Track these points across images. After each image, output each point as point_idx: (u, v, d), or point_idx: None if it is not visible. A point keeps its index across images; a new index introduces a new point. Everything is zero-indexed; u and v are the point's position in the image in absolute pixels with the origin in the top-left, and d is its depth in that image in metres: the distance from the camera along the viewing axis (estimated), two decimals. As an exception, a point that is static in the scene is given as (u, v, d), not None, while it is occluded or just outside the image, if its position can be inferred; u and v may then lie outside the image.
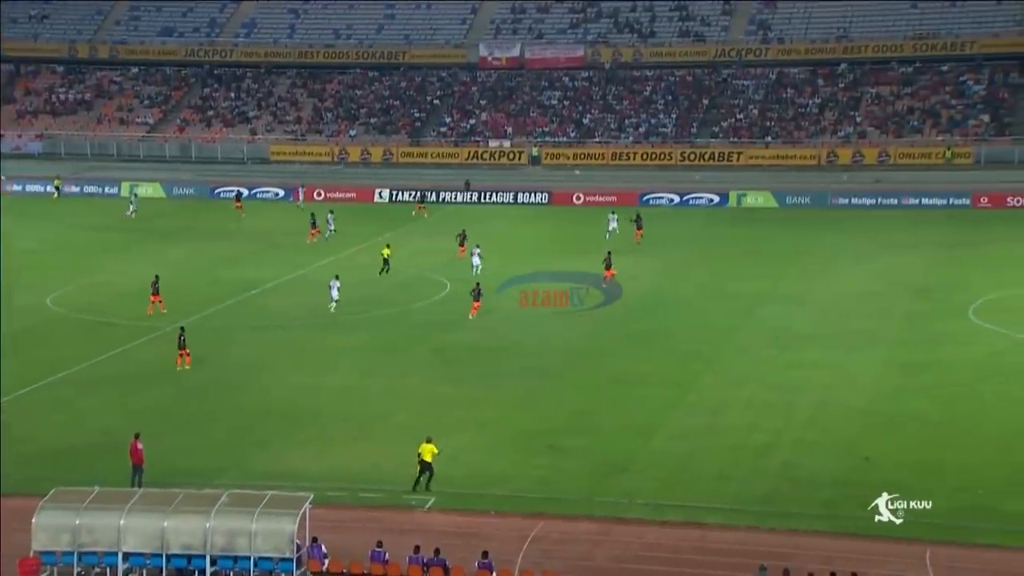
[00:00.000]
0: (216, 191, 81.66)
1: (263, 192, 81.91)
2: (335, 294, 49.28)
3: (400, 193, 79.25)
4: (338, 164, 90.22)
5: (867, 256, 58.94)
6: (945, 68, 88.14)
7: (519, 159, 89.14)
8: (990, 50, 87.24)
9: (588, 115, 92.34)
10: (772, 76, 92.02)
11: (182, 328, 43.47)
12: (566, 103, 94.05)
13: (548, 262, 58.76)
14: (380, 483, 32.46)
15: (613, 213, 55.78)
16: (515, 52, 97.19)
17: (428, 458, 31.51)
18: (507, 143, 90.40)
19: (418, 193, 76.81)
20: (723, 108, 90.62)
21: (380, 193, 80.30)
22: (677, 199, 77.02)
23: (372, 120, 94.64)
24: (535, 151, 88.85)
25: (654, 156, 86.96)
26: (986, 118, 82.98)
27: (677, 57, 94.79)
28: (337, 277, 50.39)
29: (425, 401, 39.25)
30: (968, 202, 71.67)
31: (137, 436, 32.59)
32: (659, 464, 33.92)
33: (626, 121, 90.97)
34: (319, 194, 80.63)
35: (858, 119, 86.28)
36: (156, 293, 49.26)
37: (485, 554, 27.04)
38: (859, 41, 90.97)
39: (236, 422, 37.54)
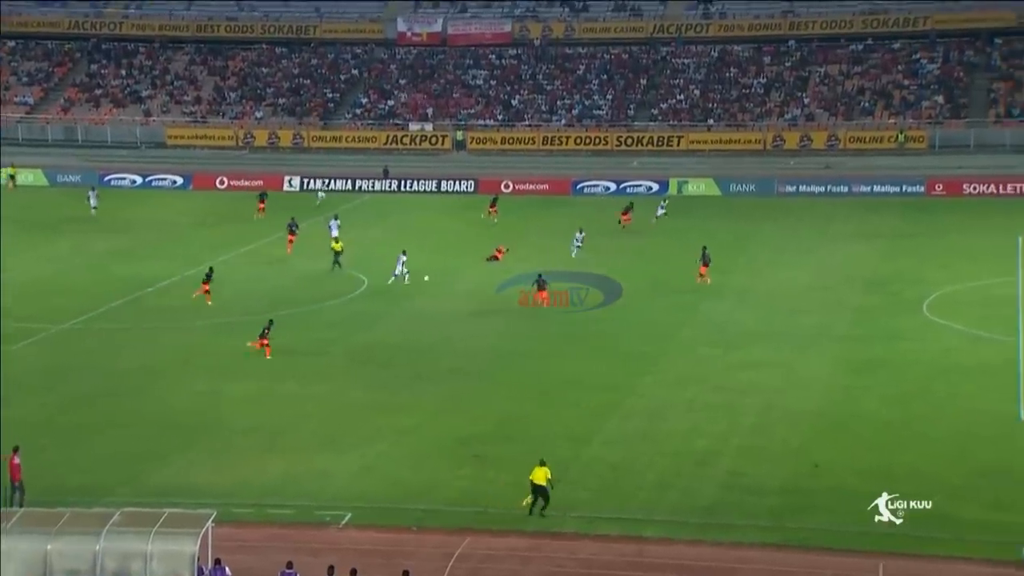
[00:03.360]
0: (106, 178, 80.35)
1: (159, 180, 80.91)
2: (400, 268, 52.89)
3: (312, 181, 78.75)
4: (243, 149, 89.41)
5: (816, 247, 59.91)
6: (897, 46, 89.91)
7: (442, 144, 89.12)
8: (944, 26, 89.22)
9: (517, 96, 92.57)
10: (714, 54, 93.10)
11: (270, 321, 44.24)
12: (493, 83, 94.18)
13: (476, 257, 58.80)
14: (290, 498, 32.25)
15: (581, 232, 56.36)
16: (436, 27, 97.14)
17: (542, 481, 31.02)
18: (429, 126, 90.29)
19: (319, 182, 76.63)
20: (662, 89, 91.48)
21: (290, 181, 79.72)
22: (614, 187, 77.55)
23: (280, 101, 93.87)
24: (459, 135, 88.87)
25: (588, 140, 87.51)
26: (940, 99, 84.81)
27: (612, 33, 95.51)
28: (404, 252, 53.43)
29: (339, 408, 39.09)
30: (922, 189, 73.20)
31: (16, 450, 31.98)
32: (594, 473, 34.12)
33: (558, 103, 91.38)
34: (221, 182, 79.80)
35: (806, 100, 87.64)
36: (207, 281, 50.33)
37: (406, 573, 27.01)
38: (806, 17, 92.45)
39: (129, 433, 37.02)
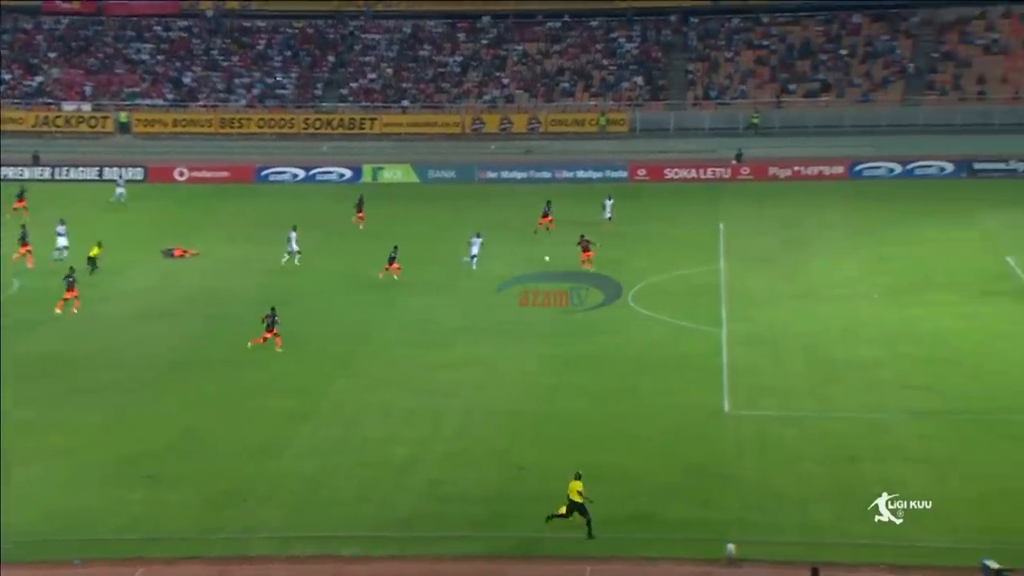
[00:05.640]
0: None
1: None
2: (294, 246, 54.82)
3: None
4: None
5: (518, 237, 61.32)
6: (595, 24, 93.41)
7: (103, 126, 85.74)
8: (641, 4, 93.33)
9: (189, 73, 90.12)
10: (406, 30, 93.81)
11: (273, 309, 44.17)
12: (160, 58, 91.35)
13: (147, 253, 56.90)
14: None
15: (478, 236, 55.21)
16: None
17: (576, 497, 30.47)
18: (87, 106, 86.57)
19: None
20: (352, 67, 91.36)
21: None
22: (302, 174, 76.82)
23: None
24: (123, 116, 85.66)
25: (272, 123, 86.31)
26: (640, 80, 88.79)
27: (295, 5, 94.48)
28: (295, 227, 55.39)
29: (-16, 431, 36.87)
30: (625, 175, 76.37)
31: None
32: (285, 488, 33.74)
33: (236, 81, 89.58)
34: None
35: (505, 81, 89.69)
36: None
37: (68, 616, 25.73)
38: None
39: None
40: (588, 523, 30.59)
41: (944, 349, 44.10)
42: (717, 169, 76.06)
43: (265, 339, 44.20)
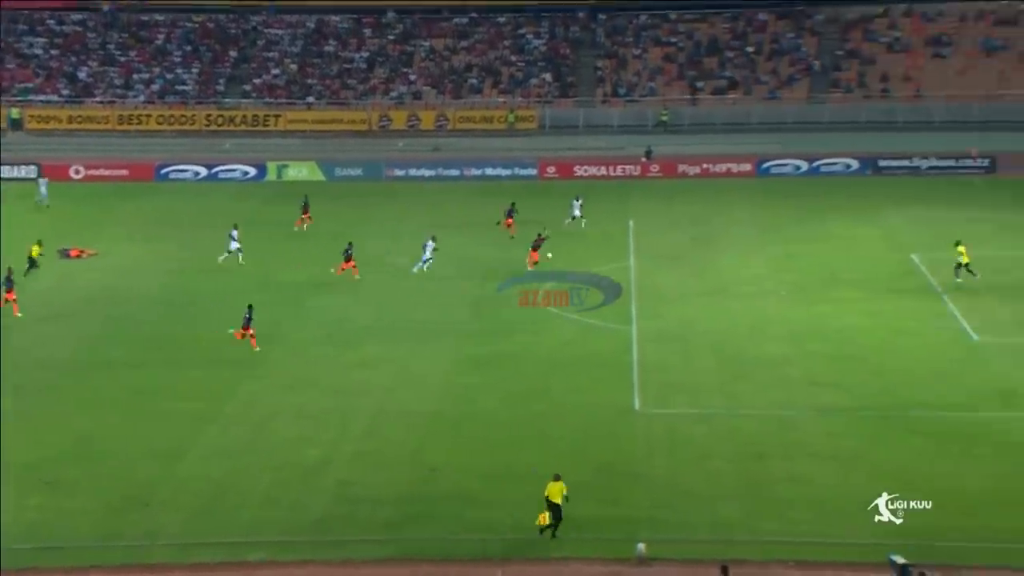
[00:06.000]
0: None
1: None
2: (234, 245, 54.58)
3: None
4: None
5: (437, 236, 61.22)
6: (503, 20, 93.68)
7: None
8: (549, 1, 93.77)
9: (84, 68, 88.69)
10: (310, 25, 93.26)
11: (249, 307, 44.25)
12: (54, 52, 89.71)
13: (45, 256, 55.95)
14: None
15: (432, 240, 54.49)
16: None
17: (557, 499, 30.65)
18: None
19: None
20: (255, 62, 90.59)
21: None
22: (204, 172, 76.07)
23: None
24: (15, 112, 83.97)
25: (173, 119, 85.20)
26: (548, 77, 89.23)
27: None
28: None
29: None
30: (535, 172, 76.77)
31: None
32: (190, 492, 33.50)
33: (135, 76, 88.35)
34: None
35: (412, 77, 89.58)
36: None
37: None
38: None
39: None
40: (555, 527, 30.89)
41: (850, 346, 45.04)
42: (627, 166, 76.75)
43: (243, 335, 44.30)
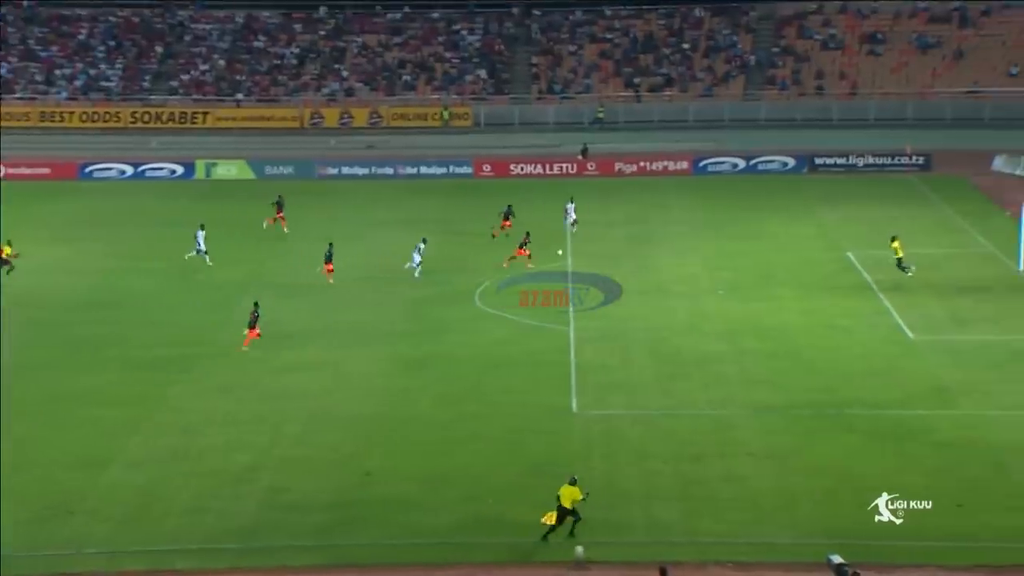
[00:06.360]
0: None
1: None
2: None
3: None
4: None
5: (363, 235, 61.13)
6: (436, 15, 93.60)
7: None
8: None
9: (4, 64, 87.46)
10: (239, 20, 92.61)
11: (256, 304, 44.68)
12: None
13: None
14: None
15: (423, 242, 53.72)
16: None
17: (566, 504, 30.70)
18: None
19: None
20: (182, 58, 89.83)
21: None
22: (130, 170, 75.30)
23: None
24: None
25: (97, 117, 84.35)
26: (483, 74, 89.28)
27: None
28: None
29: None
30: (470, 170, 76.71)
31: None
32: (115, 500, 33.13)
33: (57, 72, 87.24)
34: None
35: (344, 73, 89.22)
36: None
37: None
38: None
39: None
40: (575, 523, 31.00)
41: (787, 344, 45.44)
42: (563, 164, 76.95)
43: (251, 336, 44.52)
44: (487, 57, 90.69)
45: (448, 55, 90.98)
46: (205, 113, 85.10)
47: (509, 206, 60.67)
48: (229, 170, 76.00)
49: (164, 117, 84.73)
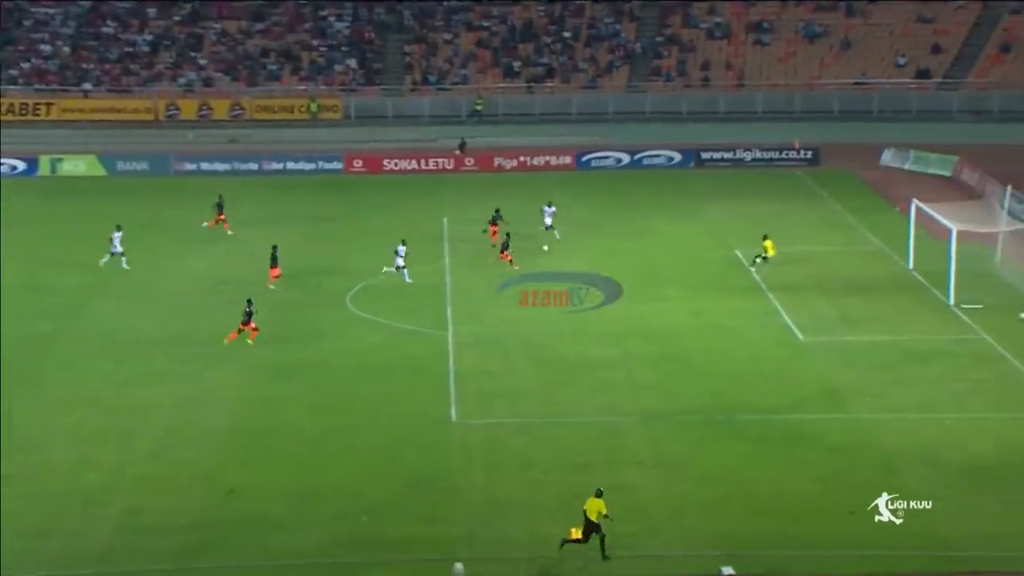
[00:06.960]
0: None
1: None
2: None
3: None
4: None
5: (221, 237, 60.28)
6: (302, 1, 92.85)
7: None
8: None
9: None
10: (86, 4, 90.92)
11: (249, 301, 44.85)
12: None
13: None
14: None
15: (403, 244, 52.00)
16: None
17: (593, 517, 30.40)
18: None
19: None
20: (22, 44, 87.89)
21: None
22: (-33, 166, 73.41)
23: None
24: None
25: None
26: (353, 63, 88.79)
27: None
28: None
29: None
30: (340, 166, 76.21)
31: None
32: (-46, 527, 32.13)
33: None
34: None
35: (202, 62, 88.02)
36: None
37: None
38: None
39: None
40: (602, 541, 30.71)
41: (674, 347, 45.91)
42: (440, 159, 76.92)
43: (240, 331, 44.46)
44: (357, 46, 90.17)
45: (315, 43, 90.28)
46: (49, 104, 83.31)
47: (497, 210, 59.64)
48: (77, 166, 74.46)
49: (3, 109, 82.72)
